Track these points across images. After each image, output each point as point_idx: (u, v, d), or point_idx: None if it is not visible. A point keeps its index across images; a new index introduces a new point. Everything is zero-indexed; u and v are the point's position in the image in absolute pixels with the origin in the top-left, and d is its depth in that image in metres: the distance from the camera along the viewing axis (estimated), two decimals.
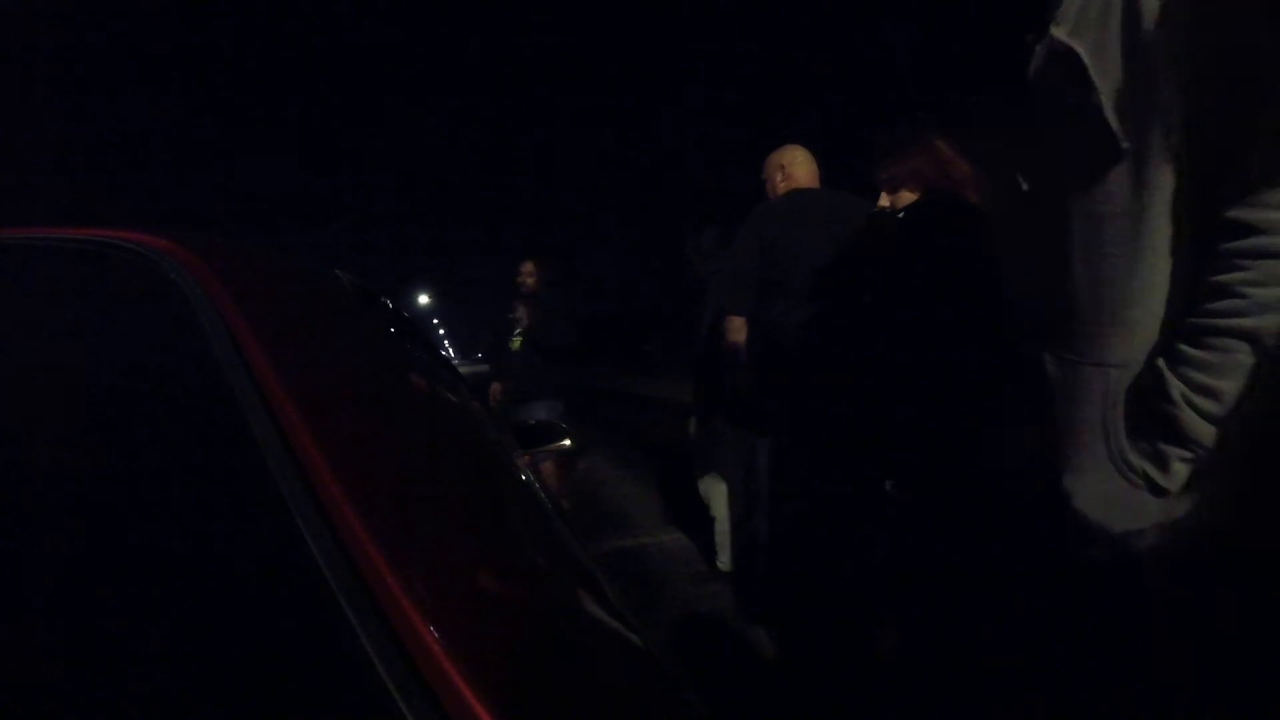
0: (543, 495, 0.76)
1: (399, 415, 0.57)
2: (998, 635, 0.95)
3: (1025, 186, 0.78)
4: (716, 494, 2.43)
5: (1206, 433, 0.62)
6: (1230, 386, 0.60)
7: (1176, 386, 0.62)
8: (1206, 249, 0.61)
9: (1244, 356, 0.59)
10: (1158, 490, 0.66)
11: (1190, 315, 0.63)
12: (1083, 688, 0.74)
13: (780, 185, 1.93)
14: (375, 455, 0.46)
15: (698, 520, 2.53)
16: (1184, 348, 0.63)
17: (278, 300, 0.60)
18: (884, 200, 1.36)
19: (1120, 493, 0.67)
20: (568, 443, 1.42)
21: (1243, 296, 0.58)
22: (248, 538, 0.38)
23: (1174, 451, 0.64)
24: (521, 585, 0.45)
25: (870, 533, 1.55)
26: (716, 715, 0.55)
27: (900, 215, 1.33)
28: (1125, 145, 0.63)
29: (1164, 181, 0.63)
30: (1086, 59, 0.64)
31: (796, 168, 1.91)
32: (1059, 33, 0.67)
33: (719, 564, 2.42)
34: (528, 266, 2.92)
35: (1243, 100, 0.57)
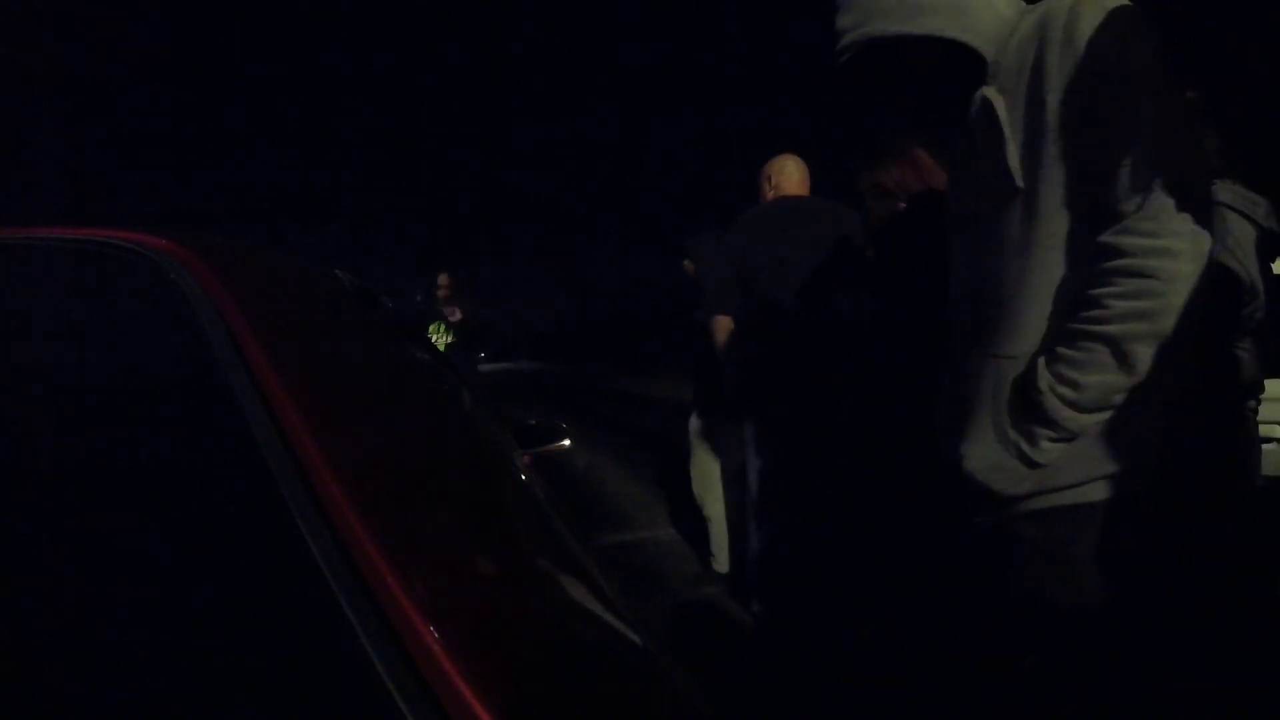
0: (542, 495, 0.76)
1: (399, 415, 0.57)
2: (980, 625, 1.01)
3: (953, 207, 0.95)
4: (710, 495, 2.45)
5: (1068, 417, 0.75)
6: (1091, 381, 0.73)
7: (1045, 378, 0.76)
8: (1084, 268, 0.75)
9: (1104, 357, 0.73)
10: (1029, 463, 0.80)
11: (1067, 321, 0.76)
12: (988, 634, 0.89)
13: (768, 194, 2.06)
14: (375, 455, 0.46)
15: (695, 518, 2.58)
16: (1059, 347, 0.76)
17: (278, 300, 0.60)
18: (871, 207, 1.43)
19: (1002, 461, 0.82)
20: (567, 443, 1.43)
21: (1107, 307, 0.71)
22: (248, 538, 0.39)
23: (1042, 432, 0.78)
24: (521, 585, 0.45)
25: (847, 526, 1.63)
26: (714, 713, 0.55)
27: (882, 223, 1.40)
28: (1020, 184, 0.78)
29: (1052, 214, 0.77)
30: (1002, 113, 0.79)
31: (783, 177, 2.03)
32: (988, 90, 0.81)
33: (715, 566, 2.44)
34: (443, 279, 3.61)
35: (1114, 157, 0.72)
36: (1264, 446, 1.35)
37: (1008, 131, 0.79)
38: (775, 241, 1.85)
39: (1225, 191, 1.28)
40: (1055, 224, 0.77)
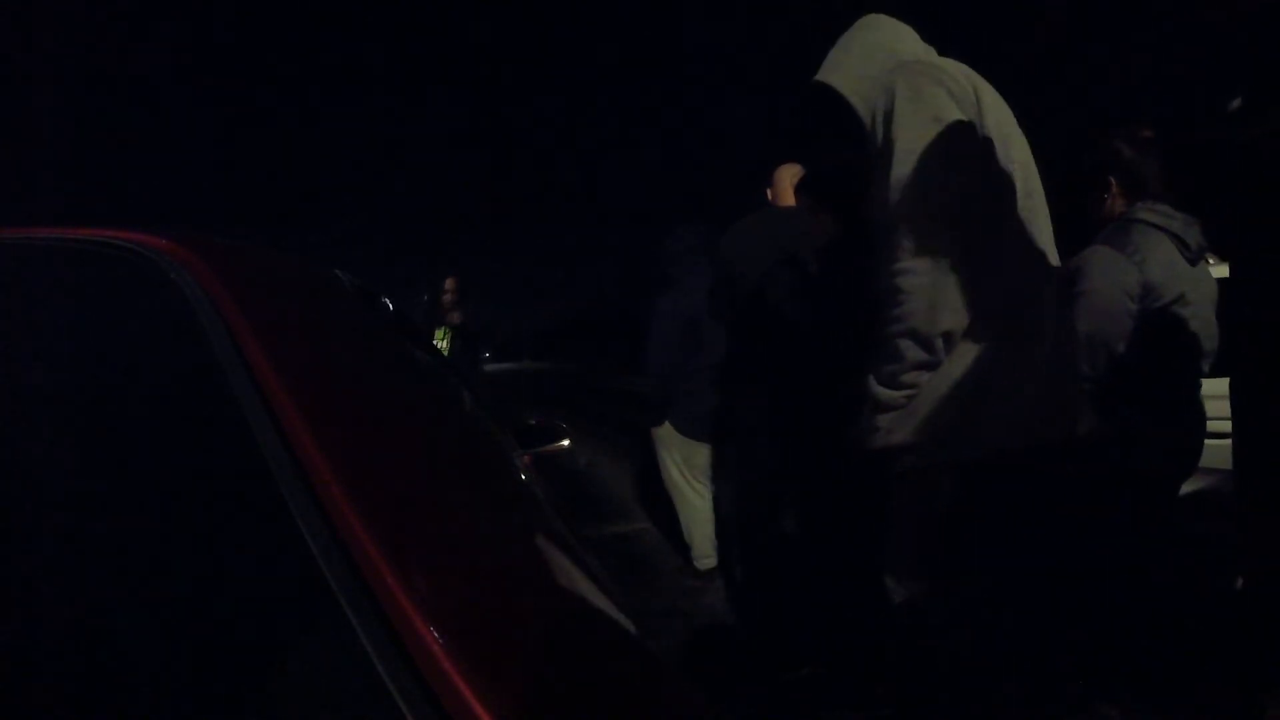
0: (541, 495, 0.76)
1: (399, 415, 0.57)
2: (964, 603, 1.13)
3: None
4: (680, 496, 2.52)
5: (885, 396, 0.99)
6: (897, 370, 0.97)
7: (869, 366, 1.01)
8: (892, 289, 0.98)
9: (911, 351, 0.95)
10: (875, 430, 1.02)
11: (882, 325, 0.99)
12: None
13: (772, 203, 2.18)
14: (375, 455, 0.46)
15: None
16: (878, 344, 1.00)
17: (278, 300, 0.60)
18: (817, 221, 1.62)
19: (866, 428, 1.03)
20: (566, 443, 1.43)
21: (900, 317, 0.95)
22: (248, 538, 0.38)
23: (868, 408, 1.02)
24: (521, 585, 0.45)
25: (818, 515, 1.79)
26: (714, 712, 0.55)
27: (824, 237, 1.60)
28: (878, 219, 1.00)
29: (874, 245, 1.01)
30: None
31: (779, 186, 2.13)
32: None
33: (699, 565, 2.50)
34: (450, 283, 3.66)
35: (907, 200, 0.95)
36: (1215, 442, 1.47)
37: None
38: (749, 250, 1.96)
39: (1153, 214, 1.43)
40: (883, 255, 0.99)
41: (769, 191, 2.15)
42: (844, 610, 1.61)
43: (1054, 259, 1.05)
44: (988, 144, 0.95)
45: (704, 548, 2.48)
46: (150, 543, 0.39)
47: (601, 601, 0.53)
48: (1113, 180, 1.53)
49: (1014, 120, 1.02)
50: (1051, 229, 1.06)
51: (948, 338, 0.93)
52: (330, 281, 0.78)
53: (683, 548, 2.69)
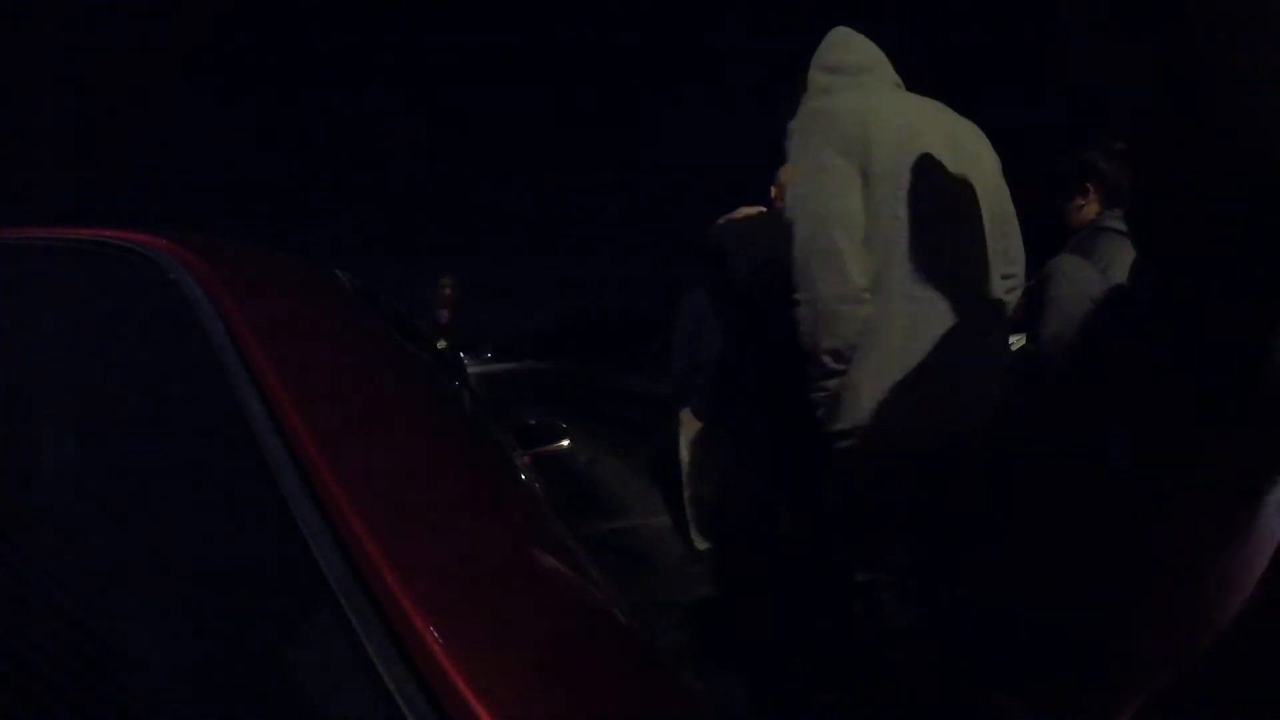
0: (542, 495, 0.76)
1: (399, 415, 0.57)
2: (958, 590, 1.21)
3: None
4: (686, 476, 2.75)
5: (824, 373, 1.14)
6: (811, 372, 1.15)
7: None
8: None
9: (812, 365, 1.15)
10: (835, 403, 1.15)
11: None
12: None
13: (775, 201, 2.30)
14: (376, 455, 0.46)
15: (683, 505, 2.90)
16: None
17: (278, 300, 0.60)
18: (775, 192, 1.71)
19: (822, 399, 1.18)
20: (566, 443, 1.44)
21: (801, 335, 1.15)
22: (248, 537, 0.38)
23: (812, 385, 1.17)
24: (521, 585, 0.45)
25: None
26: (714, 711, 0.55)
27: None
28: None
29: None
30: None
31: (781, 186, 2.24)
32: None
33: (698, 545, 2.69)
34: (446, 280, 3.70)
35: (796, 241, 1.15)
36: None
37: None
38: (747, 246, 2.07)
39: (1120, 221, 1.48)
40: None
41: (773, 189, 2.23)
42: (818, 595, 1.69)
43: (988, 260, 1.16)
44: (880, 179, 1.09)
45: (701, 529, 2.69)
46: (150, 543, 0.39)
47: (602, 601, 0.53)
48: (1091, 187, 1.59)
49: (935, 148, 1.12)
50: (991, 231, 1.17)
51: (836, 354, 1.11)
52: (330, 281, 0.78)
53: (681, 540, 2.83)
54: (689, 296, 2.67)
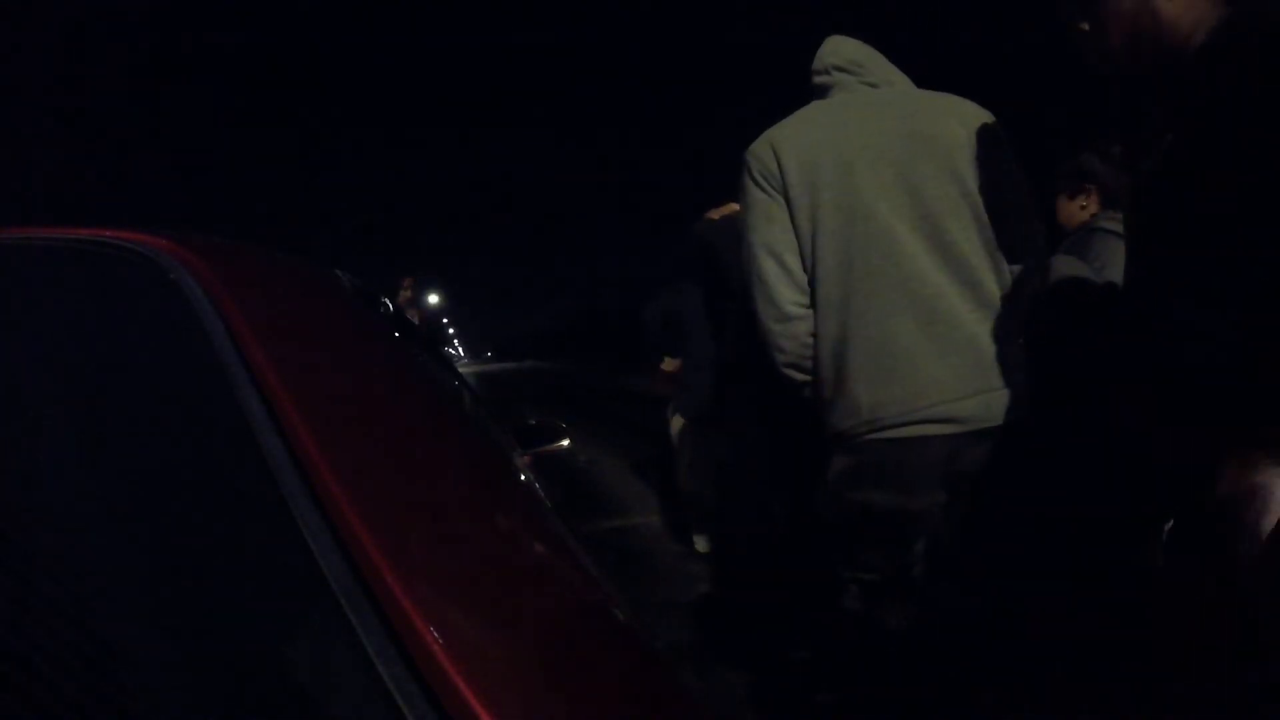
0: (542, 495, 0.76)
1: (399, 415, 0.57)
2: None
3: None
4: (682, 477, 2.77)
5: (791, 385, 1.25)
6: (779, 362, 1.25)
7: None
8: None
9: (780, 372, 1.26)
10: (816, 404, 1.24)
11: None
12: None
13: None
14: (376, 455, 0.46)
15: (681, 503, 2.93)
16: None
17: (278, 300, 0.60)
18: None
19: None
20: (566, 443, 1.44)
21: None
22: (247, 538, 0.38)
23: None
24: (522, 585, 0.45)
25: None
26: (715, 710, 0.55)
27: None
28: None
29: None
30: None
31: None
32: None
33: (699, 546, 2.71)
34: (408, 281, 3.79)
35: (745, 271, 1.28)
36: None
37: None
38: (725, 250, 2.15)
39: (1114, 222, 1.52)
40: None
41: None
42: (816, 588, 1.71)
43: (953, 254, 1.17)
44: (799, 201, 1.18)
45: (701, 530, 2.70)
46: (150, 543, 0.39)
47: (602, 601, 0.53)
48: (1093, 189, 1.62)
49: (855, 158, 1.16)
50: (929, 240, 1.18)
51: (791, 366, 1.22)
52: (330, 281, 0.78)
53: (680, 538, 2.84)
54: (662, 296, 2.74)
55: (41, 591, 0.37)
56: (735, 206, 2.23)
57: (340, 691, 0.32)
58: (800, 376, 1.22)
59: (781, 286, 1.19)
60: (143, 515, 0.40)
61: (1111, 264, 1.45)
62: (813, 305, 1.19)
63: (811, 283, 1.18)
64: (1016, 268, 1.20)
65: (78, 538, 0.39)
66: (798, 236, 1.18)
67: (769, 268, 1.19)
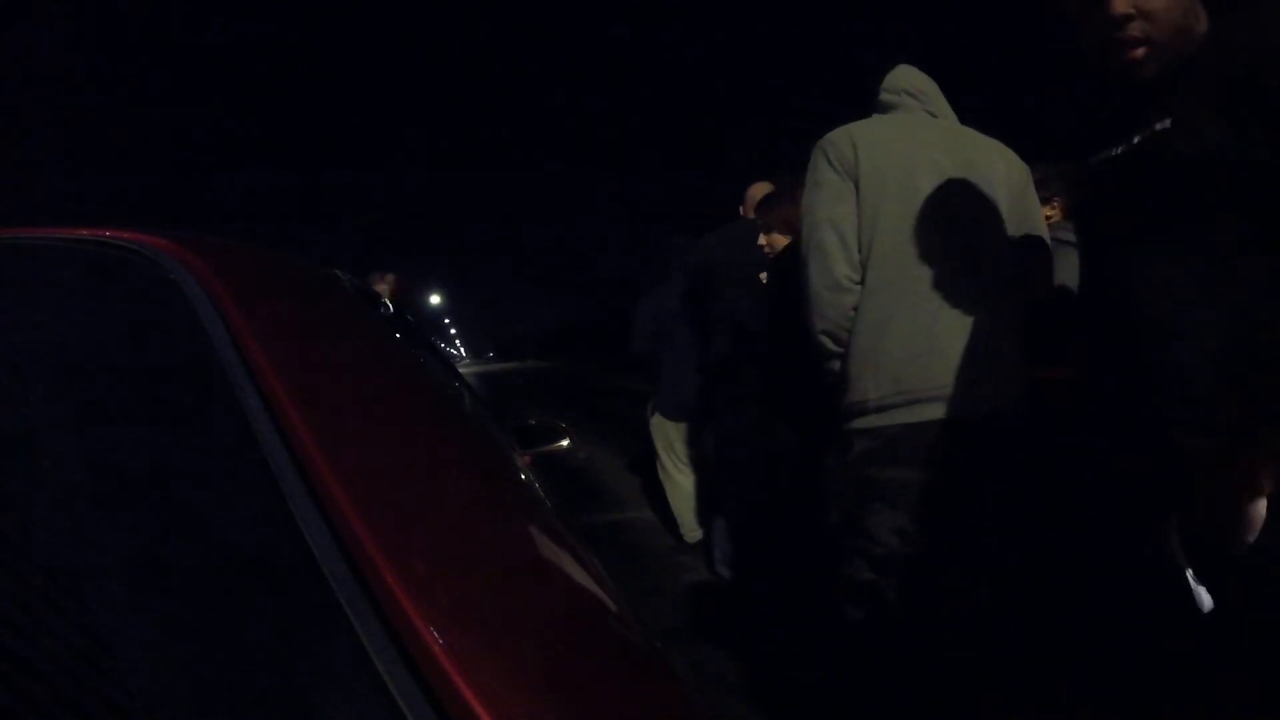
0: (542, 495, 0.76)
1: (399, 415, 0.57)
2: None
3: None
4: (666, 476, 2.86)
5: (823, 354, 1.37)
6: (818, 347, 1.37)
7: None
8: None
9: (816, 348, 1.38)
10: (837, 383, 1.36)
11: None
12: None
13: (743, 216, 2.47)
14: (376, 455, 0.46)
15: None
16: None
17: (278, 300, 0.60)
18: (762, 240, 1.90)
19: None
20: (566, 443, 1.44)
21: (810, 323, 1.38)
22: (247, 537, 0.38)
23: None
24: (522, 585, 0.45)
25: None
26: (716, 710, 0.55)
27: (770, 254, 1.88)
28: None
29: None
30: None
31: (749, 202, 2.41)
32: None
33: (688, 538, 2.82)
34: (390, 278, 3.69)
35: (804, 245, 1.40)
36: None
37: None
38: (715, 261, 2.30)
39: (1066, 232, 1.62)
40: None
41: (741, 208, 2.45)
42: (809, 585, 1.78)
43: (983, 261, 1.31)
44: (868, 191, 1.30)
45: (690, 522, 2.81)
46: (150, 543, 0.39)
47: (603, 601, 0.53)
48: (1057, 200, 1.74)
49: (924, 164, 1.31)
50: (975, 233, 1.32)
51: (830, 336, 1.32)
52: (330, 281, 0.78)
53: (671, 530, 2.94)
54: (647, 299, 2.81)
55: (41, 591, 0.37)
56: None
57: (340, 691, 0.32)
58: (831, 346, 1.33)
59: (840, 259, 1.30)
60: (143, 515, 0.40)
61: (1063, 271, 1.54)
62: (861, 283, 1.30)
63: (864, 263, 1.30)
64: (1026, 278, 1.38)
65: (78, 538, 0.39)
66: (860, 220, 1.30)
67: (831, 240, 1.31)
